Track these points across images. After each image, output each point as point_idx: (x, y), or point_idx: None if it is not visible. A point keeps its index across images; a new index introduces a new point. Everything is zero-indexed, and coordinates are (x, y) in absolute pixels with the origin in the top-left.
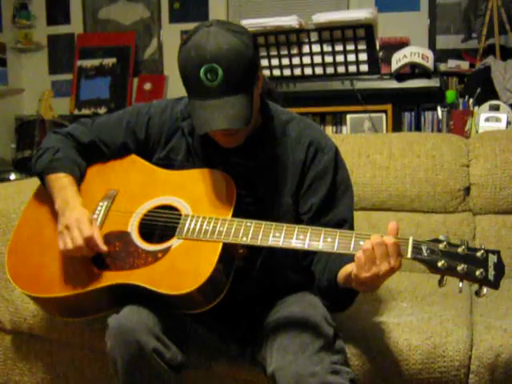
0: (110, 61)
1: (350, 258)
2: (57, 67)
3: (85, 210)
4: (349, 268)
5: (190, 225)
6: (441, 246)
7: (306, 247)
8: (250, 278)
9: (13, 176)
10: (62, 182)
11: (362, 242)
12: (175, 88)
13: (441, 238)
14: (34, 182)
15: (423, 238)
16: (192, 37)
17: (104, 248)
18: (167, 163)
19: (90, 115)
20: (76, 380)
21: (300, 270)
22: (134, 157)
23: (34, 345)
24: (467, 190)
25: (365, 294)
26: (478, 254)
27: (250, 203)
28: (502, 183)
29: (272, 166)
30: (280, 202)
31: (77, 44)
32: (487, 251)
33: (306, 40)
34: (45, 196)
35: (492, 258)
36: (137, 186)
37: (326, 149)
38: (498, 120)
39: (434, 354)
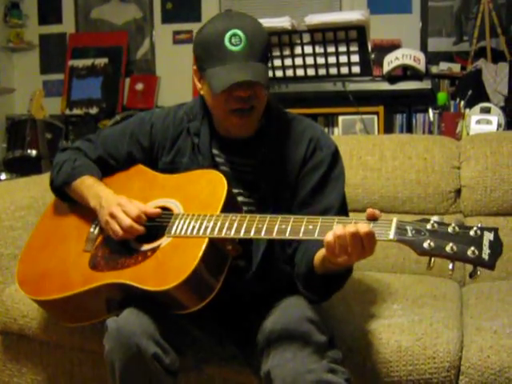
0: (101, 61)
1: None
2: (48, 67)
3: (120, 196)
4: (323, 250)
5: (179, 223)
6: (428, 225)
7: (286, 236)
8: (249, 277)
9: (3, 176)
10: (88, 183)
11: None
12: (167, 89)
13: (431, 217)
14: (24, 182)
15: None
16: (211, 22)
17: (155, 211)
18: (173, 167)
19: (82, 115)
20: (66, 381)
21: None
22: (139, 166)
23: (23, 346)
24: (458, 191)
25: (355, 295)
26: (471, 232)
27: (252, 203)
28: (493, 185)
29: (274, 163)
30: (282, 198)
31: (68, 44)
32: (482, 229)
33: (299, 41)
34: (56, 210)
35: (488, 236)
36: (137, 193)
37: (324, 147)
38: (488, 122)
39: (424, 356)
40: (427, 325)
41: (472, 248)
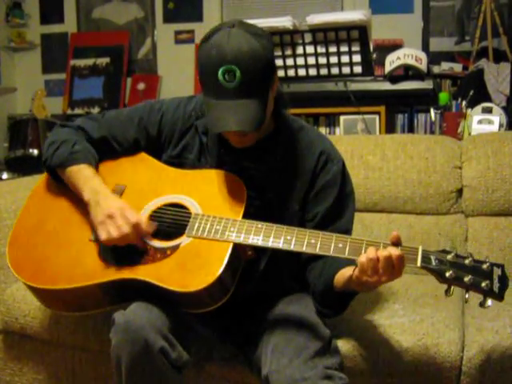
0: (103, 60)
1: (346, 263)
2: (50, 66)
3: (121, 199)
4: (347, 272)
5: (200, 223)
6: (449, 256)
7: (316, 251)
8: (252, 280)
9: (5, 175)
10: (85, 173)
11: None
12: (169, 88)
13: (447, 249)
14: (26, 182)
15: (419, 242)
16: (213, 36)
17: (150, 231)
18: (179, 161)
19: (83, 115)
20: (67, 380)
21: (296, 276)
22: (143, 154)
23: (24, 345)
24: (460, 191)
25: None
26: (484, 266)
27: (258, 206)
28: (494, 185)
29: (282, 171)
30: (287, 208)
31: (70, 43)
32: (492, 264)
33: (300, 41)
34: (48, 188)
35: (497, 271)
36: (146, 183)
37: (335, 160)
38: (490, 122)
39: (425, 356)
40: (428, 325)
41: (487, 281)
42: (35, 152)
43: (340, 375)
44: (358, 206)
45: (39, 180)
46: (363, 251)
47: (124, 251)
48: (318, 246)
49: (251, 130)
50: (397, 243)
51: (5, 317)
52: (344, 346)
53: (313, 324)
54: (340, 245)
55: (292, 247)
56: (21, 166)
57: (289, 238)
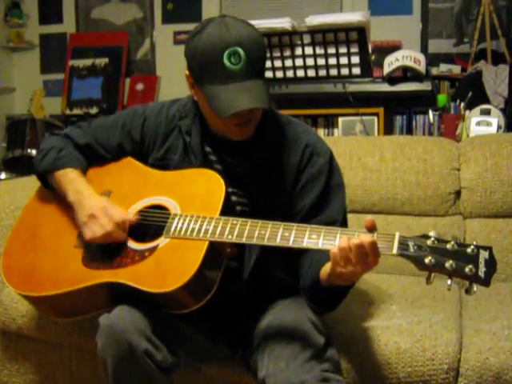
0: (102, 61)
1: None
2: (49, 66)
3: (104, 198)
4: (328, 266)
5: (177, 224)
6: (429, 241)
7: (290, 244)
8: (242, 279)
9: (3, 175)
10: (70, 176)
11: None
12: (167, 89)
13: (430, 234)
14: (24, 182)
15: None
16: (206, 28)
17: (136, 219)
18: (164, 163)
19: (82, 115)
20: (64, 381)
21: (292, 271)
22: (129, 159)
23: (22, 345)
24: (458, 193)
25: (354, 296)
26: (469, 249)
27: (246, 203)
28: (493, 187)
29: (268, 167)
30: (275, 203)
31: (69, 43)
32: (478, 247)
33: (299, 42)
34: (43, 198)
35: (483, 254)
36: (129, 187)
37: (321, 152)
38: (488, 124)
39: (423, 357)
40: (426, 326)
41: (470, 266)
42: (33, 152)
43: (337, 378)
44: (357, 208)
45: (32, 194)
46: (337, 241)
47: (106, 255)
48: (292, 238)
49: (267, 106)
50: (371, 228)
51: (2, 317)
52: (341, 347)
53: (307, 330)
54: (314, 236)
55: (265, 242)
56: (19, 166)
57: (263, 232)
